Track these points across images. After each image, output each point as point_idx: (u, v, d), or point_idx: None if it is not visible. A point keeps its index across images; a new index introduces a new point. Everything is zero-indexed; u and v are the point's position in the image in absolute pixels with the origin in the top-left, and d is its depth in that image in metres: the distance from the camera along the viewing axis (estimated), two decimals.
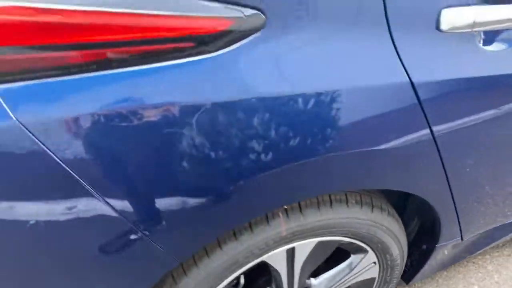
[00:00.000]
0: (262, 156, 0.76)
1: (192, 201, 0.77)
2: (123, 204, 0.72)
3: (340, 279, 1.23)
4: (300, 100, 0.74)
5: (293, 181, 0.81)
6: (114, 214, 0.72)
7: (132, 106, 0.66)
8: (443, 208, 1.09)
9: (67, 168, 0.66)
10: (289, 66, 0.74)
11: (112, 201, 0.71)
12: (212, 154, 0.72)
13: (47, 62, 0.63)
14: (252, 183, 0.78)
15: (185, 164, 0.72)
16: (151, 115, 0.67)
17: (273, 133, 0.74)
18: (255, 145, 0.74)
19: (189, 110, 0.69)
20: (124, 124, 0.66)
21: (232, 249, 0.95)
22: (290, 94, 0.73)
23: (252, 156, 0.75)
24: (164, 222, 0.78)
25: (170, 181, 0.73)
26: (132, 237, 0.76)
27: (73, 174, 0.67)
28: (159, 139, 0.69)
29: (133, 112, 0.66)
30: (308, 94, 0.74)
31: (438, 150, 0.92)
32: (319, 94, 0.75)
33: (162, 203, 0.75)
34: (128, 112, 0.66)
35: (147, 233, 0.76)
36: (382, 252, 1.18)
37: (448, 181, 1.01)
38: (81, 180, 0.68)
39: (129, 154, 0.69)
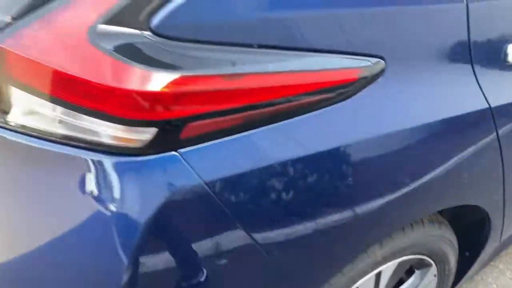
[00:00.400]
0: (386, 185, 0.84)
1: (321, 236, 0.83)
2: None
3: None
4: (418, 131, 0.84)
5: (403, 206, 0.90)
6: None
7: (295, 154, 0.72)
8: (496, 214, 1.22)
9: (236, 222, 0.70)
10: (407, 103, 0.84)
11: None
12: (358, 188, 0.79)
13: (223, 124, 0.67)
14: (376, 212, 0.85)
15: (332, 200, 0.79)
16: (311, 160, 0.73)
17: (399, 165, 0.83)
18: (385, 176, 0.82)
19: (340, 150, 0.76)
20: (292, 171, 0.71)
21: (337, 281, 0.99)
22: (412, 127, 0.83)
23: (383, 186, 0.83)
24: (292, 262, 0.83)
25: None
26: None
27: (241, 228, 0.71)
28: (313, 182, 0.75)
29: (299, 159, 0.72)
30: (423, 126, 0.85)
31: (502, 161, 1.05)
32: (429, 125, 0.85)
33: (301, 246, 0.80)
34: (297, 159, 0.72)
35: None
36: (442, 263, 1.28)
37: (504, 187, 1.14)
38: (251, 235, 0.71)
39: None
